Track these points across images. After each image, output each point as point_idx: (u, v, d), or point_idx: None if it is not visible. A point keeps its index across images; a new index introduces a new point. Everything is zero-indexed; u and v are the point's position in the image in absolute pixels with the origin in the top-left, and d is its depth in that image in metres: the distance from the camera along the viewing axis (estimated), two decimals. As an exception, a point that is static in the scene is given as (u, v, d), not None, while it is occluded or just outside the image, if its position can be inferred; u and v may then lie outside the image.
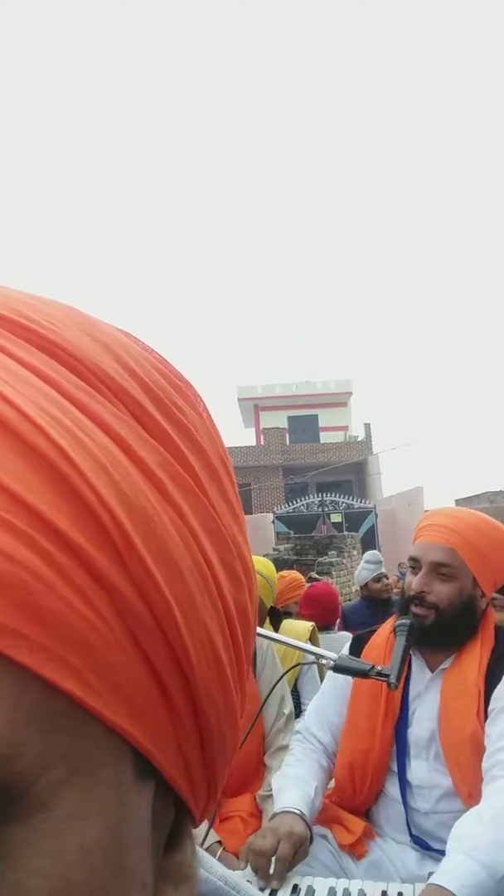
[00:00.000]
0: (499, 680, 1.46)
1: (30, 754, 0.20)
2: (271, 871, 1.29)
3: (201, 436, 0.27)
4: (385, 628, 1.67)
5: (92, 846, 0.21)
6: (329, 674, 1.72)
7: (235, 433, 28.84)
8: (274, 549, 12.68)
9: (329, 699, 1.67)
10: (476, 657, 1.50)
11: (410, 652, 1.54)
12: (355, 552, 13.36)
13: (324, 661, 1.44)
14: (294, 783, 1.50)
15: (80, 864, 0.21)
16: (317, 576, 9.20)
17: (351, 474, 23.41)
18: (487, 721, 1.43)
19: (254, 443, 26.05)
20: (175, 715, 0.24)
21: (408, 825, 1.51)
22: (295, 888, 1.29)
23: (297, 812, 1.40)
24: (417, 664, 1.60)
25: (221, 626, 0.26)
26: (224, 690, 0.26)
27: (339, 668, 1.40)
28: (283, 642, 1.48)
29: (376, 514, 19.13)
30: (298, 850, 1.33)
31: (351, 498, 20.67)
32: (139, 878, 0.23)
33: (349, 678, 1.61)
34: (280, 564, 10.74)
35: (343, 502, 19.90)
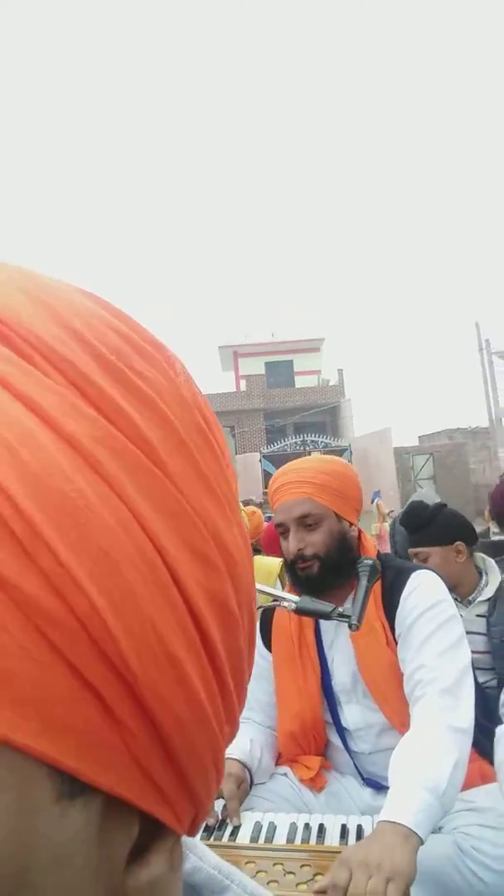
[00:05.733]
0: (396, 605, 1.40)
1: None
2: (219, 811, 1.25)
3: (168, 404, 0.23)
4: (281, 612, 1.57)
5: None
6: None
7: (215, 378, 28.66)
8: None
9: (254, 682, 1.58)
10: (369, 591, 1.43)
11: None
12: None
13: (285, 605, 1.34)
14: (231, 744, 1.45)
15: None
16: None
17: (325, 416, 23.46)
18: (398, 647, 1.38)
19: (233, 386, 25.98)
20: (121, 726, 0.20)
21: (357, 770, 1.46)
22: (256, 825, 1.22)
23: (233, 757, 1.36)
24: None
25: (180, 621, 0.21)
26: (187, 693, 0.22)
27: (300, 611, 1.31)
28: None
29: (351, 452, 20.38)
30: (238, 787, 1.30)
31: (326, 437, 21.67)
32: None
33: (268, 657, 1.55)
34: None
35: (322, 441, 20.93)
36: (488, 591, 1.94)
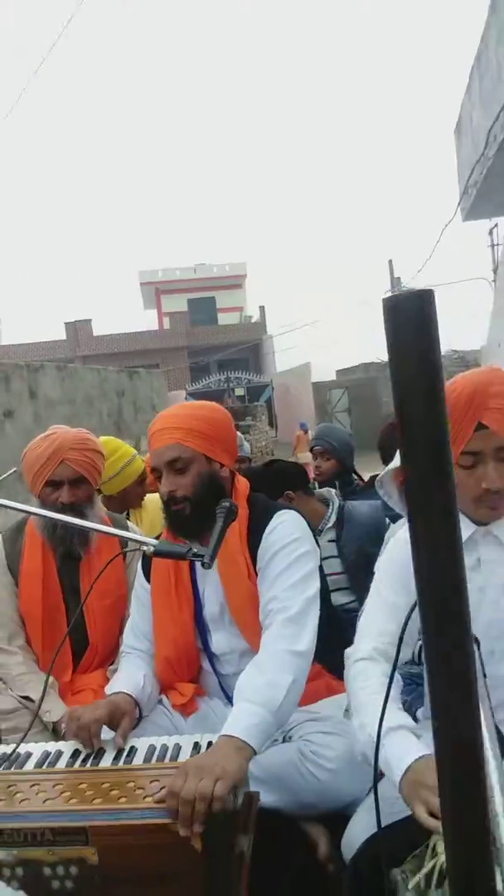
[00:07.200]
0: (259, 542, 1.50)
1: None
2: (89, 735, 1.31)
3: None
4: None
5: None
6: (133, 593, 1.72)
7: (137, 316, 27.83)
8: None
9: (137, 614, 1.66)
10: (235, 528, 1.51)
11: (188, 541, 1.50)
12: (263, 416, 17.10)
13: (145, 548, 1.39)
14: (122, 677, 1.53)
15: None
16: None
17: (248, 353, 23.41)
18: (258, 579, 1.49)
19: (156, 324, 25.37)
20: None
21: (222, 690, 1.57)
22: (119, 750, 1.30)
23: (122, 691, 1.43)
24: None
25: None
26: None
27: (158, 553, 1.36)
28: (100, 530, 1.41)
29: (272, 388, 20.67)
30: (122, 718, 1.34)
31: (249, 374, 21.76)
32: None
33: (148, 589, 1.62)
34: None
35: (245, 378, 21.34)
36: (333, 518, 2.19)
